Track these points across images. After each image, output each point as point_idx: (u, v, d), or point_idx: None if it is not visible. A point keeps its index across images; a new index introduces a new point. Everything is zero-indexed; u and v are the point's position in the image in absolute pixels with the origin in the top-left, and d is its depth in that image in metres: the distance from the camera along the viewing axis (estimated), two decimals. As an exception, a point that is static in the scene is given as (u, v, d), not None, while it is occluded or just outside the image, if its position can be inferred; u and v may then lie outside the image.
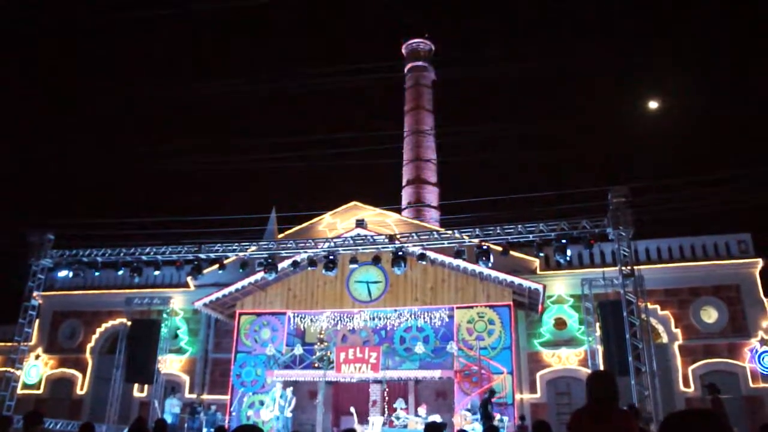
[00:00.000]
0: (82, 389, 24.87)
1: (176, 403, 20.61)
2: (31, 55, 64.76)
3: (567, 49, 64.76)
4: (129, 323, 22.83)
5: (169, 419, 19.24)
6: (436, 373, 18.94)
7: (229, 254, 19.68)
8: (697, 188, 21.00)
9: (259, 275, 20.09)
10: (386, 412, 19.96)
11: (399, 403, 18.83)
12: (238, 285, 21.01)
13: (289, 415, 19.20)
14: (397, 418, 18.24)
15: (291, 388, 19.70)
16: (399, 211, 32.35)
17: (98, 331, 25.51)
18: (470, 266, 19.38)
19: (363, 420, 19.60)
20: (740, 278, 20.87)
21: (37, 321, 24.30)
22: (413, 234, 18.84)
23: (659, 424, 2.26)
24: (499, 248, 17.88)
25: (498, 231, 17.53)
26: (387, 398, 20.53)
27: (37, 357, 25.54)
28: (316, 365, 19.80)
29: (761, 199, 21.03)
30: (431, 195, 35.45)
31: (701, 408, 2.30)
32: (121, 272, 19.80)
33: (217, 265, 19.57)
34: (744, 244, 21.23)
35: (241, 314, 21.53)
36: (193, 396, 23.05)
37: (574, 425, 3.98)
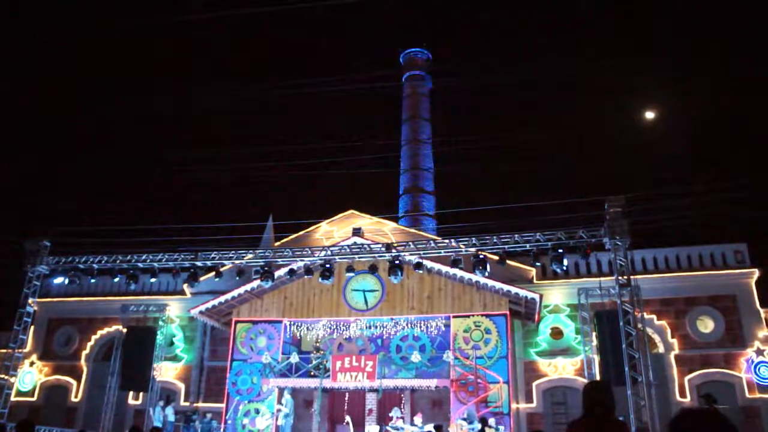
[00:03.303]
0: (76, 396, 24.74)
1: (171, 412, 20.56)
2: (28, 62, 64.80)
3: (565, 58, 65.03)
4: (124, 330, 22.74)
5: (159, 425, 19.16)
6: (432, 382, 18.89)
7: (226, 262, 19.64)
8: (694, 198, 21.02)
9: (256, 283, 20.07)
10: (382, 421, 19.91)
11: (395, 412, 18.77)
12: (235, 293, 20.97)
13: (283, 422, 19.17)
14: (394, 428, 18.17)
15: (286, 396, 19.64)
16: (396, 219, 32.38)
17: (93, 338, 25.42)
18: (467, 275, 19.38)
19: (359, 429, 19.54)
20: (736, 288, 20.90)
21: (32, 328, 24.19)
22: (410, 243, 18.86)
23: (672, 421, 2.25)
24: (496, 257, 17.89)
25: (495, 240, 17.55)
26: (383, 407, 20.49)
27: (32, 364, 25.43)
28: (312, 373, 19.75)
29: (758, 209, 21.10)
30: (428, 204, 35.51)
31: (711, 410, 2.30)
32: (117, 279, 19.74)
33: (213, 273, 19.53)
34: (740, 254, 21.28)
35: (237, 322, 21.47)
36: (187, 404, 22.97)
37: (570, 436, 3.98)
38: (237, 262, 19.44)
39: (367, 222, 23.60)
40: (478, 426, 17.35)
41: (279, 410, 19.44)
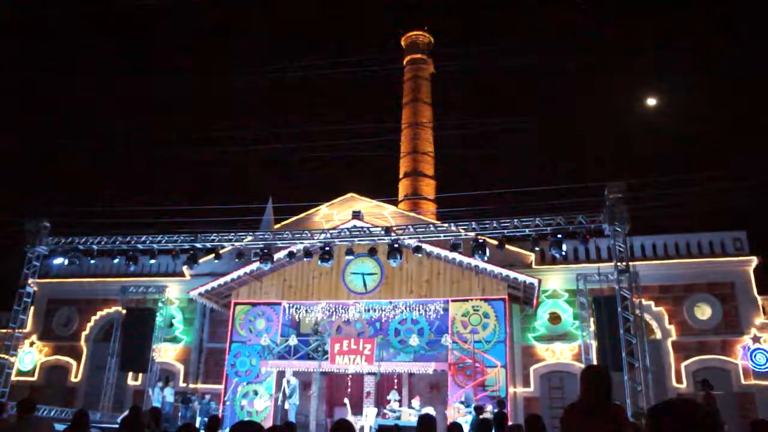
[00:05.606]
0: (76, 377, 24.89)
1: (170, 392, 20.67)
2: (28, 43, 64.40)
3: (567, 43, 64.67)
4: (124, 311, 22.82)
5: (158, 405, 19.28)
6: (430, 366, 18.98)
7: (225, 244, 19.66)
8: (694, 185, 21.00)
9: (255, 265, 20.06)
10: (380, 404, 20.03)
11: (393, 395, 18.88)
12: (234, 275, 21.00)
13: (287, 407, 19.27)
14: (391, 410, 18.29)
15: (290, 379, 19.71)
16: (396, 203, 32.36)
17: (93, 319, 25.51)
18: (466, 259, 19.39)
19: (357, 411, 19.65)
20: (734, 276, 20.95)
21: (32, 308, 24.27)
22: (409, 226, 18.83)
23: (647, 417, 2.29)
24: (495, 242, 17.89)
25: (494, 225, 17.52)
26: (381, 390, 20.60)
27: (32, 344, 25.54)
28: (311, 356, 19.84)
29: (757, 197, 21.10)
30: (428, 187, 35.46)
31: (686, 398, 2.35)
32: (116, 260, 19.70)
33: (212, 255, 19.53)
34: (739, 241, 21.31)
35: (236, 304, 21.54)
36: (184, 385, 23.10)
37: (567, 420, 4.01)
38: (236, 244, 19.44)
39: (366, 205, 23.59)
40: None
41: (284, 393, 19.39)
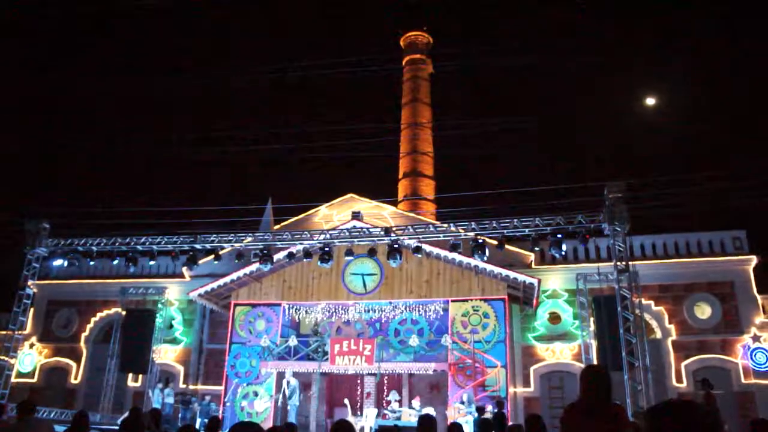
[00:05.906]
0: (76, 378, 24.87)
1: (169, 393, 20.66)
2: (28, 43, 64.37)
3: (567, 43, 64.65)
4: (124, 313, 22.80)
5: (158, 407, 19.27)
6: (430, 366, 18.96)
7: (225, 245, 19.63)
8: (694, 185, 21.00)
9: (255, 266, 20.04)
10: (380, 404, 20.01)
11: (393, 396, 18.86)
12: (234, 276, 20.98)
13: (288, 407, 19.25)
14: (391, 411, 18.27)
15: (290, 380, 19.70)
16: (395, 203, 32.33)
17: (93, 320, 25.48)
18: (465, 259, 19.38)
19: (357, 412, 19.64)
20: (734, 275, 20.94)
21: (32, 310, 24.23)
22: (409, 227, 18.82)
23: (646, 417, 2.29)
24: (495, 242, 17.87)
25: (494, 225, 17.51)
26: (381, 390, 20.58)
27: (32, 346, 25.50)
28: (311, 357, 19.82)
29: (757, 197, 21.08)
30: (428, 188, 35.45)
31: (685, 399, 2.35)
32: (116, 262, 19.69)
33: (212, 256, 19.53)
34: (738, 240, 21.30)
35: (236, 305, 21.52)
36: (184, 386, 23.07)
37: (567, 419, 4.00)
38: (236, 245, 19.42)
39: (366, 206, 23.57)
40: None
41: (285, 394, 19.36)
